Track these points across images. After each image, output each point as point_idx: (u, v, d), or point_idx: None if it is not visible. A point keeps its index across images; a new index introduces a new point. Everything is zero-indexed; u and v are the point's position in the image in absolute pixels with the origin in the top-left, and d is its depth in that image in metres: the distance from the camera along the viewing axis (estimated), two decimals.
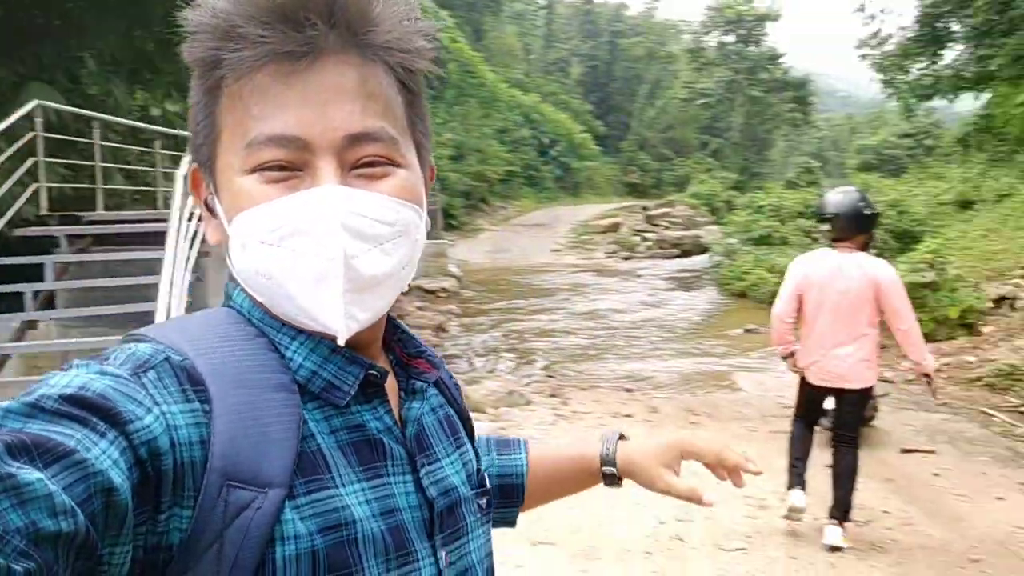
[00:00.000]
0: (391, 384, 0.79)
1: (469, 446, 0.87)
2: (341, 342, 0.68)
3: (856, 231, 4.18)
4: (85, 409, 0.55)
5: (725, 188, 36.86)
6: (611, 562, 4.26)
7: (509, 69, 44.39)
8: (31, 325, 6.17)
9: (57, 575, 0.48)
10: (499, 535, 0.94)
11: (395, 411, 0.77)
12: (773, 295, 4.20)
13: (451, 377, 0.92)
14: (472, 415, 0.95)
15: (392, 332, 0.82)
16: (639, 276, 19.73)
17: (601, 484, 1.09)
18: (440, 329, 12.25)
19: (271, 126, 0.66)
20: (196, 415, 0.62)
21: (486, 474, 0.91)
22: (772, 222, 18.95)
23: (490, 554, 0.85)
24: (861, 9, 25.24)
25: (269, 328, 0.72)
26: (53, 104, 7.91)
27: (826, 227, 4.27)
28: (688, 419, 7.14)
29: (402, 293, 0.74)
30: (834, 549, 4.23)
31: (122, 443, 0.56)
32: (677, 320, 14.28)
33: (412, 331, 0.85)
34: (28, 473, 0.48)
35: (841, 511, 4.25)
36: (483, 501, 0.85)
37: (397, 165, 0.71)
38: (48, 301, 6.50)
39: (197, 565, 0.59)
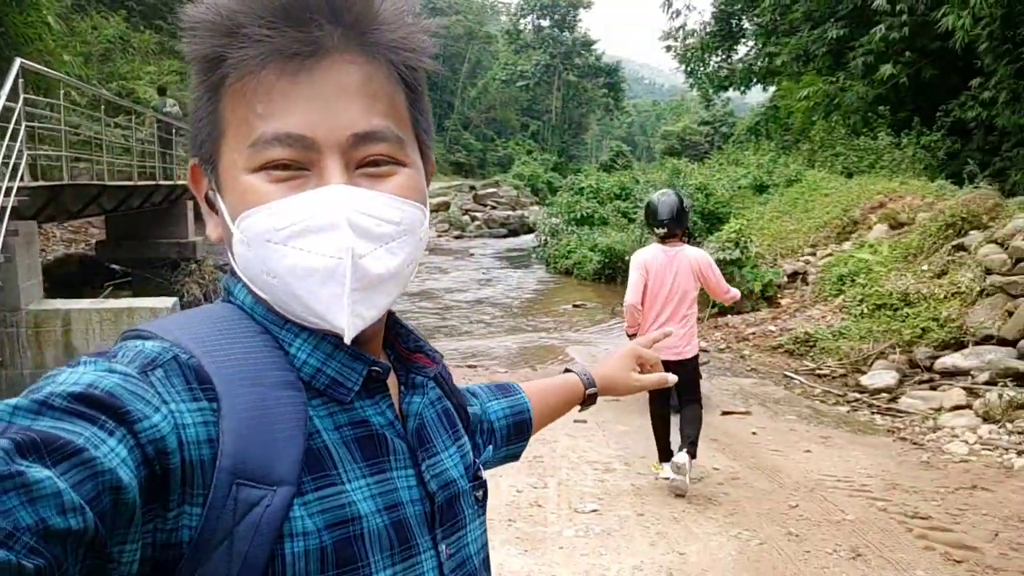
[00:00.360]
0: (391, 379, 0.79)
1: (467, 439, 0.88)
2: (347, 340, 0.68)
3: (680, 228, 5.05)
4: (93, 407, 0.55)
5: (546, 169, 38.13)
6: None
7: None
8: None
9: (67, 572, 0.48)
10: None
11: (396, 405, 0.77)
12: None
13: (449, 372, 0.93)
14: None
15: (391, 327, 0.82)
16: (471, 255, 20.02)
17: (576, 409, 1.27)
18: None
19: (277, 125, 0.66)
20: (204, 414, 0.62)
21: (509, 419, 1.03)
22: (592, 204, 19.94)
23: (485, 545, 0.87)
24: (668, 4, 26.93)
25: (272, 325, 0.72)
26: None
27: (661, 230, 5.01)
28: None
29: None
30: (679, 468, 4.82)
31: (130, 441, 0.56)
32: (510, 298, 14.71)
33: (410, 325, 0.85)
34: (37, 471, 0.48)
35: (691, 446, 4.95)
36: (479, 493, 0.86)
37: (401, 164, 0.71)
38: None
39: (207, 562, 0.60)
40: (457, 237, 23.99)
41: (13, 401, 0.54)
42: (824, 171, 16.32)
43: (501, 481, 4.96)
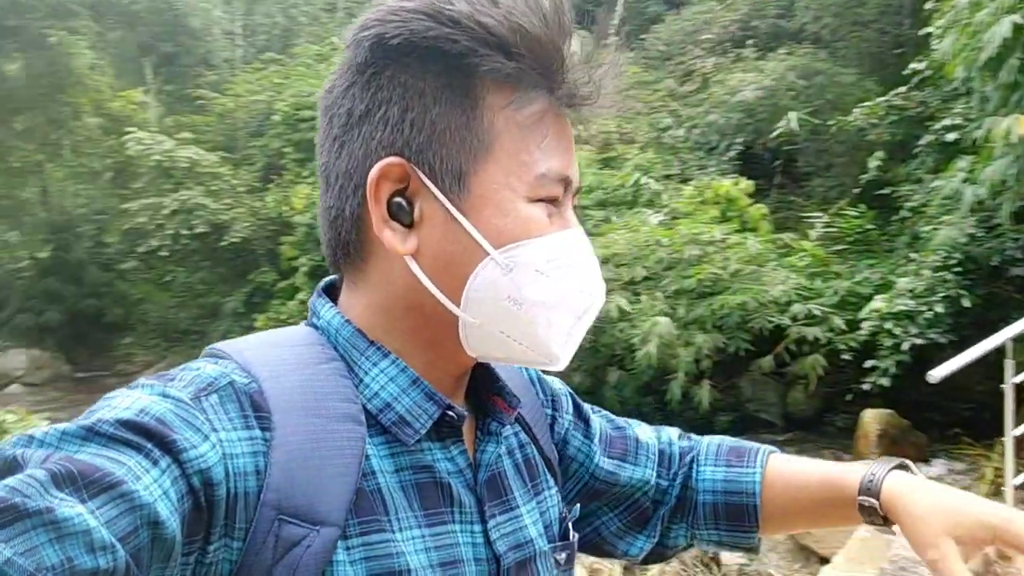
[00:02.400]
0: (469, 424, 0.75)
1: (550, 492, 0.81)
2: (561, 367, 0.71)
3: None
4: (141, 435, 0.54)
5: None
6: None
7: None
8: None
9: None
10: None
11: (470, 452, 0.73)
12: None
13: (549, 409, 0.87)
14: None
15: (476, 366, 0.78)
16: None
17: (864, 523, 0.82)
18: None
19: (560, 165, 0.69)
20: (255, 443, 0.60)
21: (577, 523, 0.84)
22: None
23: None
24: None
25: (353, 350, 0.70)
26: None
27: None
28: None
29: None
30: None
31: (175, 471, 0.55)
32: None
33: (495, 365, 0.79)
34: (69, 507, 0.47)
35: None
36: (562, 556, 0.79)
37: None
38: None
39: None
40: None
41: (63, 426, 0.54)
42: None
43: None
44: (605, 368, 8.29)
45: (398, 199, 0.67)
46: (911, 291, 7.07)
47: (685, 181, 10.18)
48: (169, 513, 0.52)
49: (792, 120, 9.27)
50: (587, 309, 0.71)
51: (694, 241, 8.23)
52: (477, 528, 0.70)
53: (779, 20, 11.94)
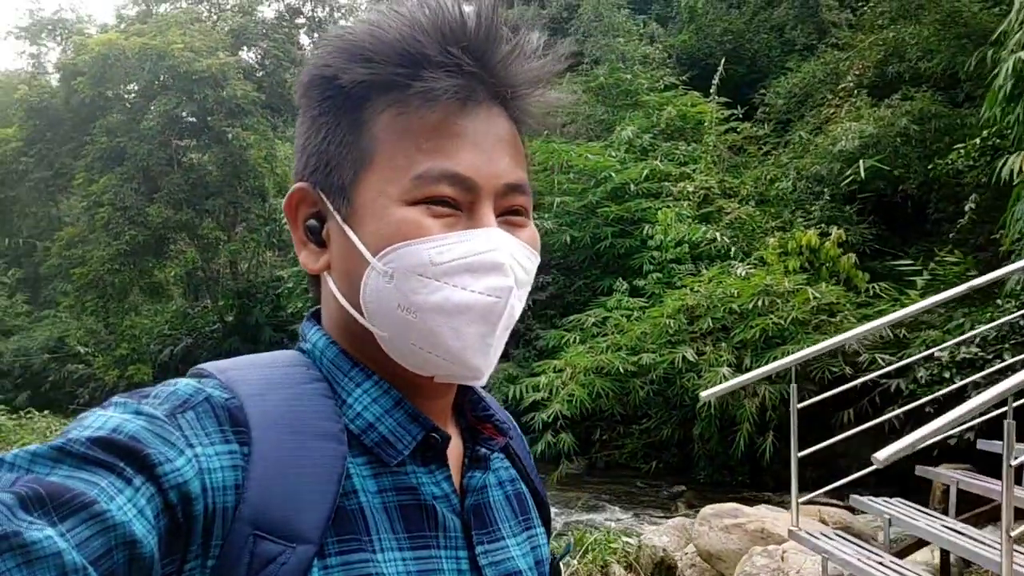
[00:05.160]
0: (456, 450, 0.75)
1: (540, 530, 0.81)
2: (482, 383, 0.69)
3: None
4: (114, 453, 0.53)
5: None
6: None
7: None
8: None
9: None
10: None
11: (456, 479, 0.72)
12: None
13: (527, 449, 0.87)
14: None
15: (464, 393, 0.78)
16: None
17: None
18: None
19: (445, 163, 0.66)
20: (233, 457, 0.60)
21: (561, 564, 0.85)
22: None
23: None
24: None
25: (337, 371, 0.70)
26: None
27: None
28: None
29: None
30: None
31: (150, 489, 0.54)
32: None
33: (484, 392, 0.80)
34: (37, 530, 0.46)
35: None
36: None
37: (529, 218, 0.73)
38: None
39: None
40: None
41: (33, 448, 0.53)
42: None
43: None
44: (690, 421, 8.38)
45: (311, 221, 0.71)
46: (984, 339, 6.67)
47: (784, 232, 10.09)
48: (146, 532, 0.52)
49: (860, 169, 9.06)
50: (497, 313, 0.66)
51: (765, 292, 8.23)
52: (463, 554, 0.69)
53: (913, 62, 11.46)
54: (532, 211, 0.75)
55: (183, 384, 0.63)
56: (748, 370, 7.80)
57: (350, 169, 0.69)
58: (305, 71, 0.72)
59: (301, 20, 18.94)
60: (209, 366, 0.68)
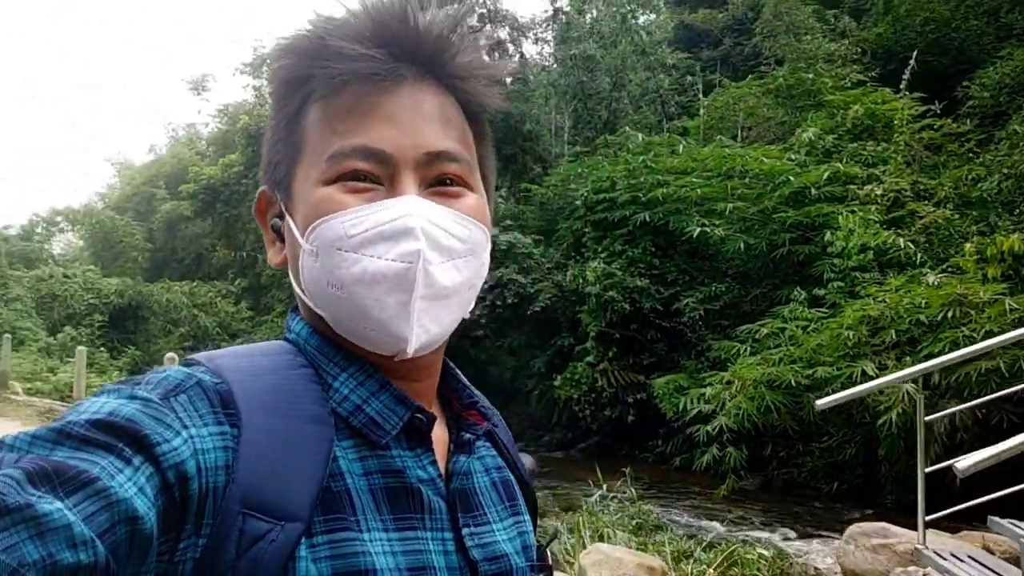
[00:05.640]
0: (442, 437, 0.76)
1: (527, 517, 0.81)
2: (410, 352, 0.67)
3: None
4: (112, 434, 0.55)
5: None
6: None
7: None
8: None
9: None
10: None
11: (442, 465, 0.74)
12: None
13: (511, 438, 0.87)
14: None
15: (447, 380, 0.80)
16: None
17: None
18: None
19: (356, 140, 0.68)
20: (225, 438, 0.61)
21: (548, 551, 0.84)
22: None
23: None
24: None
25: (321, 358, 0.71)
26: None
27: None
28: None
29: None
30: None
31: (149, 468, 0.55)
32: None
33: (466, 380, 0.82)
34: (48, 503, 0.47)
35: None
36: None
37: (470, 188, 0.72)
38: None
39: None
40: None
41: (32, 431, 0.54)
42: None
43: None
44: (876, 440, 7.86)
45: (275, 220, 0.75)
46: None
47: (984, 237, 9.15)
48: (146, 509, 0.52)
49: None
50: (410, 279, 0.66)
51: (958, 302, 7.52)
52: (448, 536, 0.70)
53: None
54: (481, 182, 0.75)
55: (174, 371, 0.65)
56: (936, 387, 7.18)
57: (286, 164, 0.72)
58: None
59: (482, 41, 19.73)
60: (200, 356, 0.70)
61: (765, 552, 4.88)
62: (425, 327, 0.68)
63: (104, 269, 28.08)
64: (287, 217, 0.72)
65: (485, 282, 0.77)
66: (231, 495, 0.59)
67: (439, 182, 0.71)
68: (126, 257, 29.95)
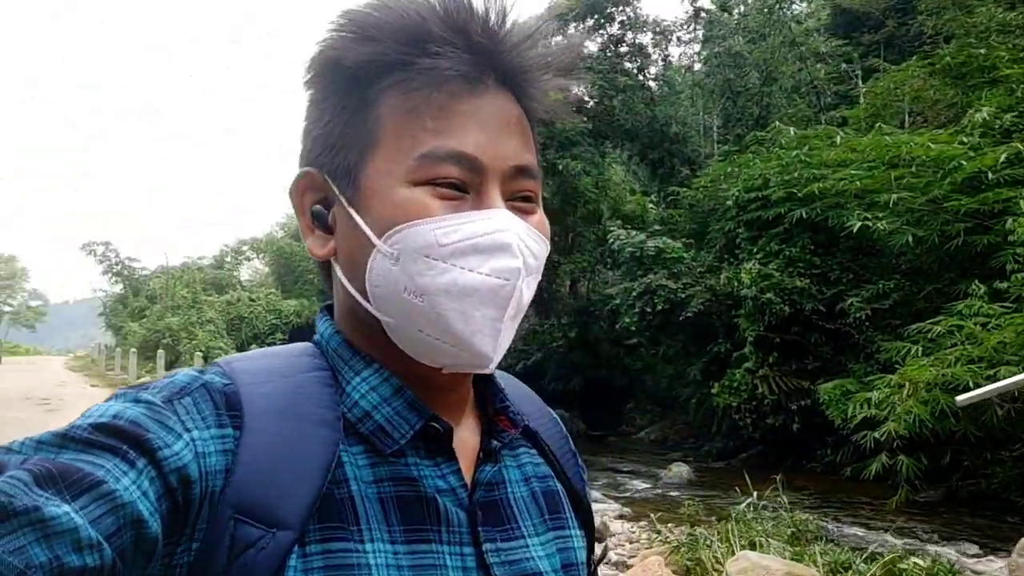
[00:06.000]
0: (473, 443, 0.73)
1: (576, 532, 0.77)
2: (491, 369, 0.66)
3: None
4: (116, 437, 0.54)
5: None
6: None
7: None
8: None
9: None
10: None
11: (468, 475, 0.70)
12: None
13: (568, 446, 0.84)
14: None
15: (487, 384, 0.77)
16: None
17: None
18: None
19: (451, 143, 0.65)
20: (225, 442, 0.60)
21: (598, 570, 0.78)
22: None
23: None
24: None
25: (339, 360, 0.70)
26: None
27: None
28: None
29: None
30: None
31: (152, 472, 0.55)
32: None
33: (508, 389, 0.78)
34: (55, 505, 0.47)
35: None
36: None
37: (538, 203, 0.71)
38: None
39: None
40: None
41: (37, 436, 0.54)
42: None
43: None
44: None
45: (318, 206, 0.71)
46: None
47: None
48: (150, 513, 0.52)
49: None
50: (506, 296, 0.64)
51: None
52: (468, 550, 0.66)
53: None
54: (541, 197, 0.73)
55: (182, 374, 0.65)
56: None
57: (355, 151, 0.68)
58: (311, 54, 0.70)
59: (624, 48, 19.73)
60: (220, 359, 0.69)
61: (921, 562, 4.53)
62: (501, 345, 0.66)
63: (285, 292, 30.59)
64: (350, 211, 0.68)
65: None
66: (225, 499, 0.58)
67: (522, 198, 0.69)
68: (304, 280, 32.29)
